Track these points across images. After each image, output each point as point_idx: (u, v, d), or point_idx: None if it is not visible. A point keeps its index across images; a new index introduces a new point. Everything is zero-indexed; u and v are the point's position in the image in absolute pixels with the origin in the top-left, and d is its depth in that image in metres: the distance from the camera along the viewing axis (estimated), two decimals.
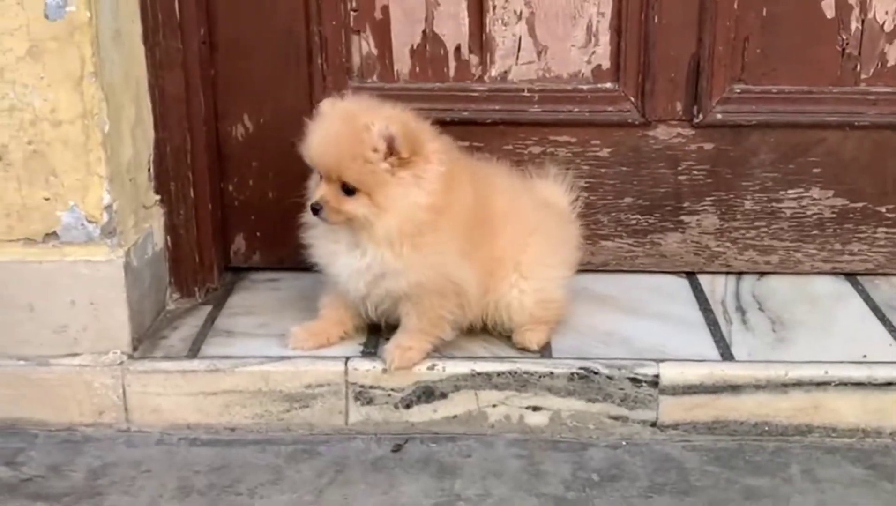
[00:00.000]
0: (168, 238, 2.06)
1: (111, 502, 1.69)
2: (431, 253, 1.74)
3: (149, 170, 1.99)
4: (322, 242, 1.83)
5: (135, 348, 1.89)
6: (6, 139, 1.78)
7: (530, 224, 1.88)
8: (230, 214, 2.14)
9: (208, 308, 2.07)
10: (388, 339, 1.89)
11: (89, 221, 1.82)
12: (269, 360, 1.86)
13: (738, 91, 2.09)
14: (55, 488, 1.73)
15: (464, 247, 1.77)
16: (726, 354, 1.88)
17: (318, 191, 1.73)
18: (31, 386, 1.86)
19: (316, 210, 1.73)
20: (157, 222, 2.02)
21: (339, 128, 1.71)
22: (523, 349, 1.88)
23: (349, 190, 1.71)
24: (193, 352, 1.90)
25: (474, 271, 1.80)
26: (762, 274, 2.18)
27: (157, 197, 2.03)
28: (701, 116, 2.09)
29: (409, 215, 1.71)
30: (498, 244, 1.84)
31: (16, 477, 1.76)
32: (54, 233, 1.83)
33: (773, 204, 2.14)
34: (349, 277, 1.80)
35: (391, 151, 1.68)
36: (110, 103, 1.80)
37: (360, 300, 1.84)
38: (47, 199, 1.81)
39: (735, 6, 2.03)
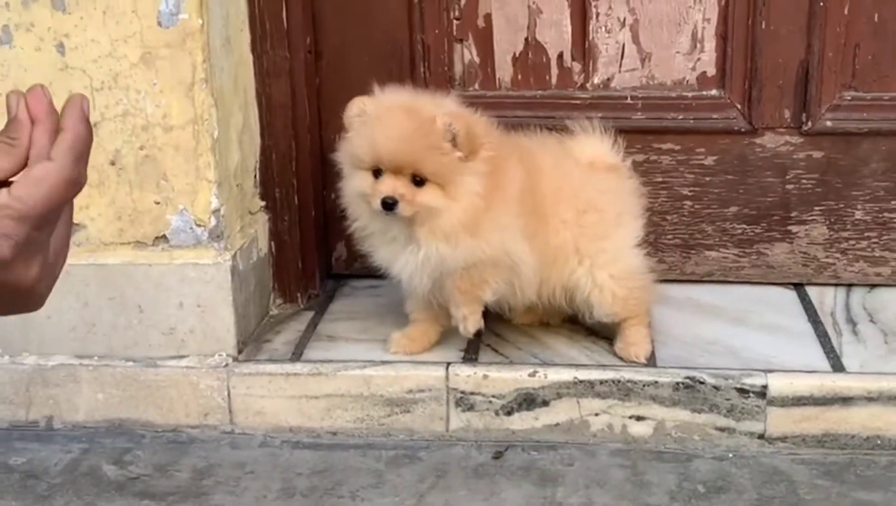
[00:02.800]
0: (272, 244, 2.12)
1: (216, 501, 1.75)
2: (488, 231, 1.77)
3: (255, 176, 2.06)
4: (379, 244, 1.85)
5: (239, 351, 1.95)
6: (119, 144, 1.86)
7: (582, 202, 1.87)
8: (332, 221, 2.18)
9: (310, 314, 2.13)
10: (488, 344, 1.95)
11: (198, 225, 1.89)
12: (370, 364, 1.90)
13: (849, 98, 2.08)
14: (161, 487, 1.79)
15: (522, 226, 1.80)
16: (837, 366, 1.87)
17: (387, 185, 1.73)
18: (139, 387, 1.93)
19: (390, 204, 1.73)
20: (261, 228, 2.08)
21: (407, 122, 1.73)
22: (631, 363, 1.89)
23: (419, 182, 1.74)
24: (297, 355, 1.95)
25: (533, 254, 1.82)
26: (873, 286, 2.17)
27: (262, 203, 2.09)
28: (810, 124, 2.09)
29: (471, 204, 1.75)
30: (552, 231, 1.85)
31: (123, 476, 1.82)
32: (164, 236, 1.90)
33: (885, 214, 2.13)
34: (411, 275, 1.83)
35: (454, 145, 1.73)
36: (220, 109, 1.87)
37: (428, 293, 1.87)
38: (158, 203, 1.88)
39: (845, 11, 2.03)
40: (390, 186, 1.73)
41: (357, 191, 1.79)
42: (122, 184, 1.88)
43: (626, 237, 1.93)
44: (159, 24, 1.80)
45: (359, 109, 1.76)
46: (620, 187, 1.94)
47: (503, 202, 1.78)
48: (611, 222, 1.90)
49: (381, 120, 1.74)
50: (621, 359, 1.91)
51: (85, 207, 1.89)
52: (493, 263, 1.80)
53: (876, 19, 2.05)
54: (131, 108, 1.84)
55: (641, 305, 1.93)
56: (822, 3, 2.02)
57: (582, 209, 1.88)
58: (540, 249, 1.83)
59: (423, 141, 1.71)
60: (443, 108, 1.75)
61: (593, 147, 1.94)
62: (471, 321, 1.85)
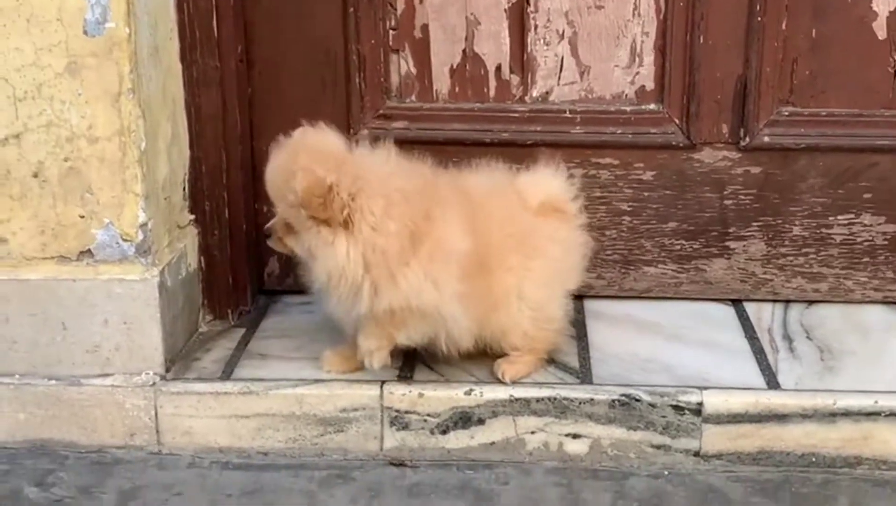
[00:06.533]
0: (202, 259, 2.18)
1: None
2: (416, 282, 1.81)
3: (184, 189, 2.12)
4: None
5: (167, 370, 2.00)
6: (42, 156, 1.91)
7: (530, 249, 1.95)
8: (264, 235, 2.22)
9: (241, 331, 2.19)
10: (424, 362, 2.02)
11: (124, 240, 1.94)
12: (302, 383, 1.97)
13: (786, 113, 2.19)
14: None
15: (463, 291, 1.84)
16: (772, 383, 1.97)
17: (275, 218, 1.87)
18: (61, 406, 1.97)
19: (266, 235, 1.89)
20: (190, 243, 2.14)
21: (281, 163, 1.82)
22: (498, 380, 1.97)
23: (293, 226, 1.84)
24: (226, 374, 2.01)
25: (470, 310, 1.88)
26: (811, 302, 2.27)
27: (192, 217, 2.15)
28: (748, 139, 2.19)
29: (337, 271, 1.79)
30: (496, 281, 1.92)
31: (46, 498, 1.86)
32: (88, 251, 1.95)
33: (823, 230, 2.24)
34: (341, 316, 1.92)
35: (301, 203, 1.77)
36: (147, 120, 1.92)
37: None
38: (82, 216, 1.93)
39: (783, 27, 2.14)
40: (274, 218, 1.86)
41: None
42: (46, 197, 1.93)
43: (563, 288, 2.02)
44: (85, 32, 1.85)
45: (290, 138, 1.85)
46: (571, 239, 2.01)
47: (438, 262, 1.82)
48: (556, 273, 1.98)
49: (273, 154, 1.85)
50: (494, 374, 1.98)
51: (6, 220, 1.94)
52: (420, 313, 1.85)
53: (814, 35, 2.16)
54: (55, 119, 1.89)
55: (545, 345, 2.01)
56: (759, 19, 2.13)
57: (529, 256, 1.95)
58: (480, 301, 1.89)
59: (282, 187, 1.80)
60: (323, 163, 1.76)
61: (546, 186, 2.01)
62: (377, 358, 1.91)
